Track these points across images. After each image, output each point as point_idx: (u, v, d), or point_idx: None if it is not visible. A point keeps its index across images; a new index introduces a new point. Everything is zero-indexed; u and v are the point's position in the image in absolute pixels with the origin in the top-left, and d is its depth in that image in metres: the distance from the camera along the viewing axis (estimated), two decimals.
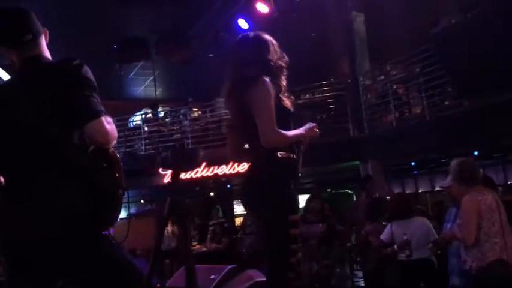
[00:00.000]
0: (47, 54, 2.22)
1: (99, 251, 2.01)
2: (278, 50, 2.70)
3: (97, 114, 1.95)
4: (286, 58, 2.71)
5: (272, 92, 2.49)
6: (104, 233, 2.02)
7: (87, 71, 2.06)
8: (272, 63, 2.62)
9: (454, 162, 3.95)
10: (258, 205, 2.52)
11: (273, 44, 2.69)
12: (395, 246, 5.12)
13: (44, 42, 2.21)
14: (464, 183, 3.79)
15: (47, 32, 2.25)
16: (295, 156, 2.55)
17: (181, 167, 2.19)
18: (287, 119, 2.59)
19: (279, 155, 2.48)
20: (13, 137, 2.03)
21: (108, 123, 1.99)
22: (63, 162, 1.96)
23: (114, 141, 2.05)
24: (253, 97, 2.47)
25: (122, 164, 2.12)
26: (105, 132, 1.96)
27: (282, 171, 2.49)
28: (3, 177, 2.10)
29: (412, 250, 5.00)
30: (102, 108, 2.00)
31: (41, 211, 1.94)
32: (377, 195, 6.68)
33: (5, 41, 2.16)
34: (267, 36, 2.72)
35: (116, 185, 2.01)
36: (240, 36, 2.81)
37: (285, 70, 2.68)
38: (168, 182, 2.19)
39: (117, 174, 2.02)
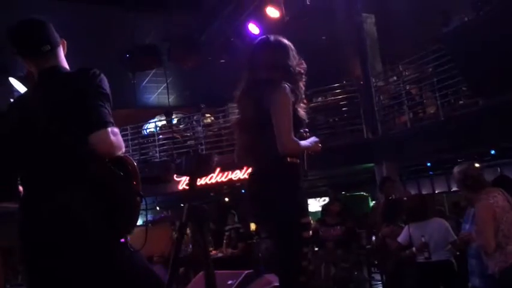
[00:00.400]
0: (65, 64, 2.25)
1: (117, 259, 2.01)
2: (297, 56, 2.69)
3: (104, 125, 1.96)
4: (304, 64, 2.70)
5: (291, 99, 2.51)
6: (121, 240, 2.02)
7: (103, 80, 2.08)
8: (292, 69, 2.61)
9: (455, 170, 3.90)
10: (270, 209, 2.51)
11: (292, 49, 2.69)
12: (413, 249, 5.06)
13: (61, 52, 2.25)
14: (471, 190, 3.74)
15: (65, 42, 2.29)
16: (299, 161, 2.60)
17: (196, 173, 2.19)
18: (298, 129, 2.63)
19: (288, 159, 2.51)
20: (32, 147, 2.05)
21: (115, 135, 1.99)
22: (81, 171, 1.96)
23: (120, 152, 2.04)
24: (274, 102, 2.47)
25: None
26: (110, 143, 1.96)
27: (291, 174, 2.52)
28: (22, 185, 2.12)
29: (431, 252, 4.94)
30: (111, 119, 2.00)
31: (58, 220, 1.94)
32: (394, 197, 6.61)
33: (23, 51, 2.19)
34: (287, 41, 2.71)
35: (133, 193, 2.00)
36: (260, 38, 2.79)
37: (303, 77, 2.66)
38: (185, 188, 2.20)
39: (134, 182, 2.02)
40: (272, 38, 2.73)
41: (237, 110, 2.76)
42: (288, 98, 2.49)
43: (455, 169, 3.91)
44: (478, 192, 3.69)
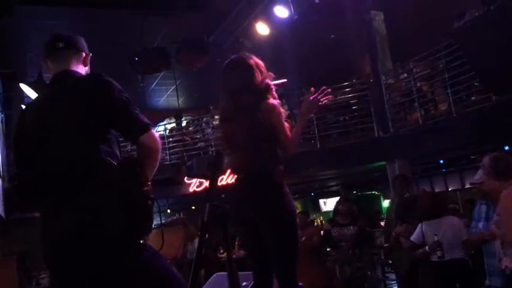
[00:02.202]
0: (81, 71, 2.32)
1: (139, 261, 2.03)
2: (263, 70, 2.86)
3: (148, 127, 2.18)
4: (272, 74, 2.91)
5: (280, 109, 2.76)
6: (141, 242, 2.05)
7: (117, 85, 2.19)
8: (258, 87, 2.79)
9: (486, 157, 3.83)
10: (268, 213, 2.67)
11: (257, 65, 2.84)
12: (427, 247, 5.00)
13: (81, 60, 2.33)
14: (499, 177, 3.66)
15: (89, 55, 2.39)
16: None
17: (219, 174, 2.22)
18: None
19: (280, 167, 2.77)
20: (45, 153, 2.10)
21: (156, 135, 2.22)
22: (94, 176, 2.02)
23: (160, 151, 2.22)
24: (269, 121, 2.71)
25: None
26: (158, 141, 2.19)
27: (282, 180, 2.75)
28: (41, 191, 2.12)
29: (445, 251, 4.87)
30: (149, 121, 2.20)
31: (77, 226, 1.98)
32: (408, 195, 6.54)
33: (44, 49, 2.33)
34: (251, 60, 2.86)
35: (144, 196, 2.03)
36: (225, 63, 2.96)
37: (272, 89, 2.84)
38: (206, 188, 2.25)
39: (145, 187, 2.04)
40: (235, 60, 2.92)
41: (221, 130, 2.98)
42: (279, 111, 2.74)
43: (487, 156, 3.84)
44: (505, 181, 3.61)
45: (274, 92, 2.84)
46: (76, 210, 1.99)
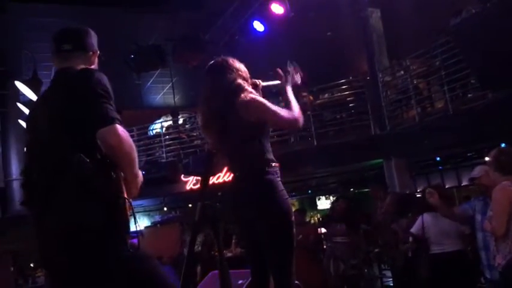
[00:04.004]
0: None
1: (118, 261, 1.99)
2: (236, 70, 2.81)
3: (111, 121, 1.98)
4: (246, 73, 2.87)
5: (260, 96, 2.76)
6: (119, 243, 2.00)
7: (102, 78, 2.08)
8: (228, 88, 2.75)
9: (494, 150, 3.86)
10: (263, 211, 2.64)
11: (229, 68, 2.81)
12: (427, 239, 5.05)
13: (86, 60, 2.27)
14: (500, 170, 3.67)
15: (97, 52, 2.34)
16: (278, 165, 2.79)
17: (212, 172, 2.18)
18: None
19: (273, 164, 2.71)
20: (35, 150, 2.12)
21: (123, 131, 2.02)
22: (66, 175, 1.96)
23: (131, 149, 2.04)
24: (253, 117, 2.66)
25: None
26: (119, 136, 1.98)
27: (277, 177, 2.71)
28: (31, 191, 2.12)
29: (444, 243, 4.92)
30: (117, 116, 2.01)
31: (56, 227, 1.98)
32: (403, 193, 6.59)
33: (52, 47, 2.28)
34: (224, 63, 2.84)
35: (115, 196, 1.98)
36: (208, 67, 2.94)
37: (243, 88, 2.76)
38: (193, 188, 2.20)
39: (116, 186, 1.99)
40: (218, 63, 2.88)
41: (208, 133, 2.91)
42: (260, 100, 2.70)
43: (495, 149, 3.86)
44: (504, 176, 3.62)
45: (249, 89, 2.78)
46: (55, 212, 1.98)
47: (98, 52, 2.35)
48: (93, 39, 2.34)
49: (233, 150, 2.80)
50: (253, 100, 2.69)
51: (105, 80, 2.08)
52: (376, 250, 7.71)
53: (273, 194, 2.65)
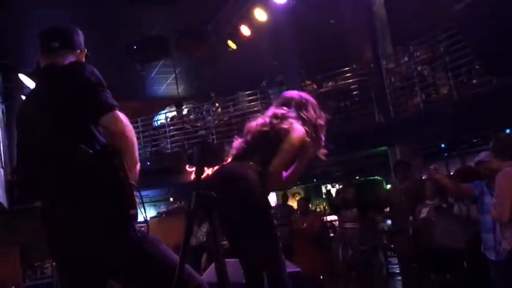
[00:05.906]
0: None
1: (126, 245, 2.04)
2: (317, 109, 3.06)
3: (111, 107, 2.02)
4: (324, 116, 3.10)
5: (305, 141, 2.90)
6: (128, 229, 2.04)
7: (93, 68, 2.10)
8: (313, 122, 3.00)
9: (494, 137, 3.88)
10: (251, 213, 2.69)
11: (312, 104, 3.06)
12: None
13: (72, 57, 2.26)
14: (499, 156, 3.68)
15: (85, 51, 2.35)
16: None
17: (207, 162, 2.20)
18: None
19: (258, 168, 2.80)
20: (31, 145, 2.13)
21: (124, 117, 2.05)
22: (69, 165, 1.99)
23: (132, 134, 2.07)
24: (288, 138, 2.83)
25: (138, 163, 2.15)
26: (122, 122, 2.02)
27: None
28: (32, 185, 2.15)
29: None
30: (116, 103, 2.05)
31: (66, 217, 2.03)
32: (415, 179, 6.60)
33: (40, 46, 2.28)
34: (309, 99, 3.09)
35: (120, 183, 2.00)
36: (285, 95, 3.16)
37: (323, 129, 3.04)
38: (194, 178, 2.22)
39: (121, 173, 2.01)
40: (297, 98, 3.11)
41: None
42: (305, 139, 2.94)
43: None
44: (504, 161, 3.63)
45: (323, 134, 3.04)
46: (63, 203, 2.03)
47: (86, 51, 2.36)
48: (81, 37, 2.35)
49: (262, 154, 2.92)
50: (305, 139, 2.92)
51: (96, 70, 2.10)
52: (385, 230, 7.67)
53: (262, 195, 2.73)
